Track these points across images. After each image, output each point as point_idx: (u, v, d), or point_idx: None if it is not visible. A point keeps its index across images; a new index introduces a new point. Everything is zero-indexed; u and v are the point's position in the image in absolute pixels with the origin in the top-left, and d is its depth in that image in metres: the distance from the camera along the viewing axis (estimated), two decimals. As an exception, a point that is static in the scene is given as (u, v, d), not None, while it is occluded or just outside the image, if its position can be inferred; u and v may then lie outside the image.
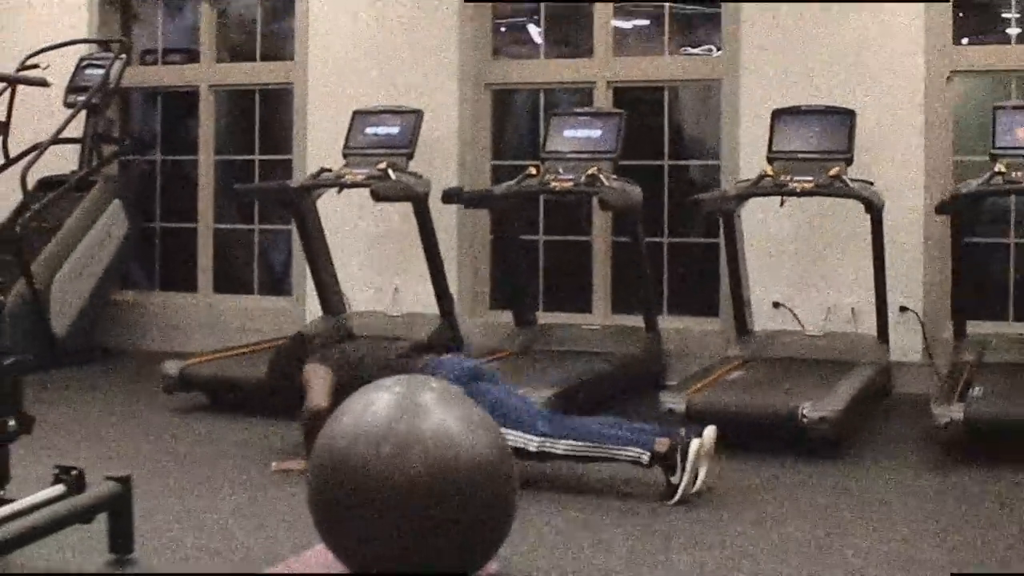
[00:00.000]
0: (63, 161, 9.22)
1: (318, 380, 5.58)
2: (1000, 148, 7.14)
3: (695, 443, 5.27)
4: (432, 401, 4.12)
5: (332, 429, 4.12)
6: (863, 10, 8.06)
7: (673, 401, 6.46)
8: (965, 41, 8.32)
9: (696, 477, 5.35)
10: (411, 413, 4.02)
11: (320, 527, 4.12)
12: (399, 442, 3.93)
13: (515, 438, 5.07)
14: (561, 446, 5.40)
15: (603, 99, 8.82)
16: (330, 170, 8.37)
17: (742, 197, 7.60)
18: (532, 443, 5.32)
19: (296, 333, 6.27)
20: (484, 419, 4.20)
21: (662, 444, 5.27)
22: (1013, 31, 8.36)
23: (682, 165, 8.88)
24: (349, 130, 8.61)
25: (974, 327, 7.53)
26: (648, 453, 5.28)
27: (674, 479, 5.27)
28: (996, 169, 6.96)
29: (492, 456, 4.08)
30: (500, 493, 4.07)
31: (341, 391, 4.95)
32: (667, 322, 8.44)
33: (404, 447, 3.93)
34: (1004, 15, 8.45)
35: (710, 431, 5.44)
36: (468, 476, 3.95)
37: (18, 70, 8.78)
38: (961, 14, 8.22)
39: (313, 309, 9.00)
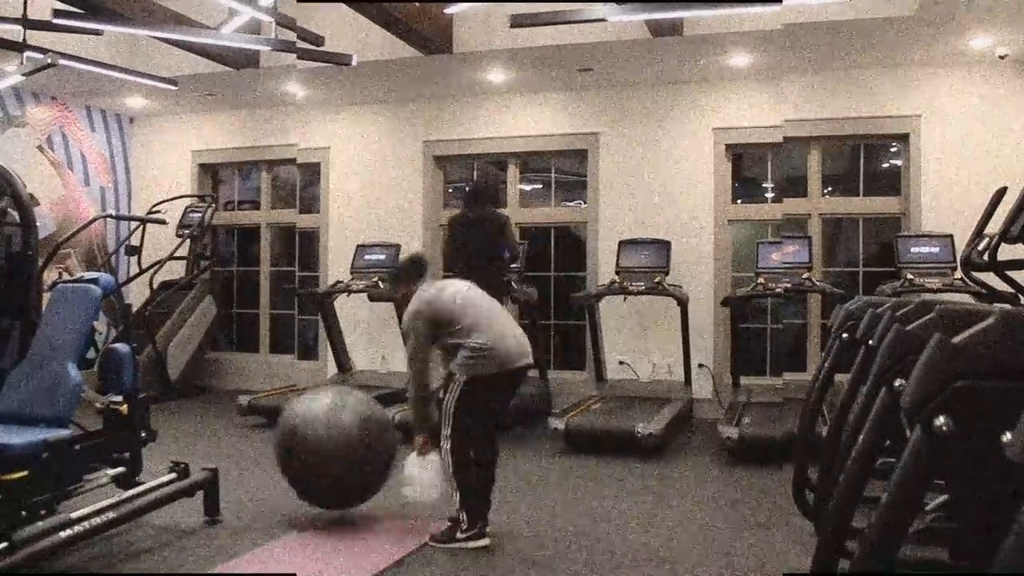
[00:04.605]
0: (175, 271, 9.25)
1: None
2: (761, 267, 7.35)
3: None
4: (353, 401, 4.68)
5: (287, 416, 4.68)
6: (675, 183, 8.20)
7: (557, 422, 6.54)
8: (739, 201, 8.49)
9: None
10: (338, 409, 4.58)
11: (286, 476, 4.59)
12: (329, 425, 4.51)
13: None
14: None
15: (515, 234, 8.85)
16: (342, 282, 8.44)
17: (600, 295, 7.69)
18: None
19: None
20: (374, 406, 4.75)
21: None
22: (769, 195, 8.53)
23: (563, 275, 8.87)
24: (354, 257, 8.63)
25: (745, 379, 7.63)
26: None
27: None
28: (758, 281, 7.21)
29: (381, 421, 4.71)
30: (384, 447, 4.65)
31: None
32: (553, 373, 8.46)
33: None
34: (764, 184, 8.61)
35: None
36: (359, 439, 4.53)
37: (147, 214, 8.83)
38: (736, 184, 8.43)
39: (331, 368, 8.99)
